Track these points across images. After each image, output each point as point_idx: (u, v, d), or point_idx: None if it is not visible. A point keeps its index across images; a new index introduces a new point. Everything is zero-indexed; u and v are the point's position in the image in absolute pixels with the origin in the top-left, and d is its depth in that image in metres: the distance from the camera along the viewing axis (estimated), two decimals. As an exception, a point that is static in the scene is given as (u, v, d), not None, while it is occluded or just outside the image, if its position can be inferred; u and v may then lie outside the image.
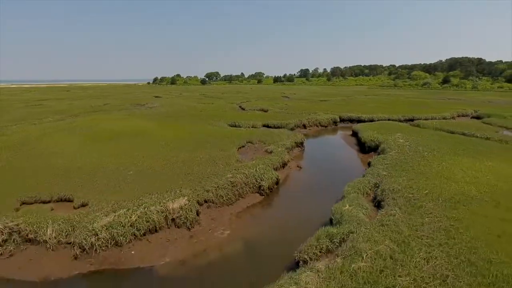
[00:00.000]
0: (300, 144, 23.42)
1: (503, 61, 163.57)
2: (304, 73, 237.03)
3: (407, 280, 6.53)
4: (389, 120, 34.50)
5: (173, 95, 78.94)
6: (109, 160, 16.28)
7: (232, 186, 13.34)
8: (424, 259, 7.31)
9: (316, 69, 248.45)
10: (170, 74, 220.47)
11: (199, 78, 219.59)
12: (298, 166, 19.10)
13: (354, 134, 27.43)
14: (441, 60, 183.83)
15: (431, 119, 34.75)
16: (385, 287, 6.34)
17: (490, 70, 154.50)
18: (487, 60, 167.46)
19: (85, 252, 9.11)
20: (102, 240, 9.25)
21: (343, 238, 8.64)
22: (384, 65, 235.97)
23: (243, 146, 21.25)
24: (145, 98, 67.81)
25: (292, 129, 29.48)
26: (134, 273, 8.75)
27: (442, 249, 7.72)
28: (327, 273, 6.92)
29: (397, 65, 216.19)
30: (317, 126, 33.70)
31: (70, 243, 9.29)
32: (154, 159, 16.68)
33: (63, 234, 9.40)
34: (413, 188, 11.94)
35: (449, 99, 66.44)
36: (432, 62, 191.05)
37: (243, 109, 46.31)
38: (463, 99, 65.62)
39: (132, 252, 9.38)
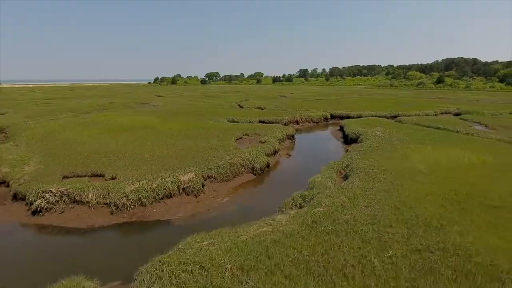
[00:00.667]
0: (291, 137, 26.42)
1: (499, 61, 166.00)
2: (303, 73, 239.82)
3: (348, 216, 9.52)
4: (376, 116, 37.46)
5: (175, 95, 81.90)
6: (126, 148, 19.23)
7: (230, 166, 16.31)
8: (365, 206, 10.30)
9: (315, 69, 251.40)
10: (170, 74, 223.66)
11: (199, 78, 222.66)
12: (287, 154, 22.10)
13: (341, 128, 30.40)
14: (438, 61, 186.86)
15: (414, 115, 37.79)
16: (333, 220, 9.31)
17: (485, 70, 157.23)
18: (487, 60, 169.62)
19: (118, 209, 12.08)
20: (131, 200, 12.24)
21: (312, 198, 11.61)
22: (382, 65, 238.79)
23: (240, 138, 24.20)
24: (148, 98, 70.78)
25: (285, 124, 32.39)
26: (156, 223, 11.72)
27: (380, 201, 10.71)
28: (295, 214, 9.91)
29: (395, 65, 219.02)
30: (309, 122, 36.69)
31: (107, 203, 12.26)
32: (163, 147, 19.63)
33: (101, 196, 12.37)
34: (375, 166, 14.94)
35: (439, 98, 69.43)
36: (430, 62, 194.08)
37: (242, 107, 49.31)
38: (453, 98, 68.55)
39: (154, 210, 12.37)
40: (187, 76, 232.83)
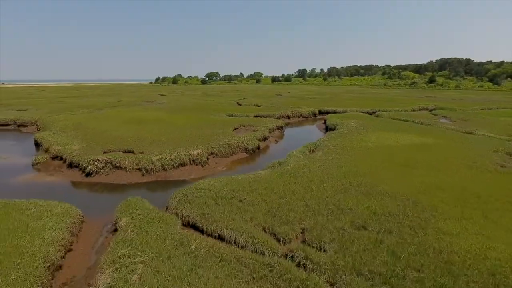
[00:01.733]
0: (280, 128, 31.18)
1: (493, 61, 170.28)
2: (301, 73, 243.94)
3: (305, 170, 14.28)
4: (359, 112, 42.19)
5: (177, 94, 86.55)
6: (144, 134, 23.93)
7: (228, 146, 21.07)
8: (319, 165, 15.07)
9: (313, 69, 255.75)
10: (171, 74, 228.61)
11: (199, 78, 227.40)
12: (275, 140, 26.86)
13: (325, 122, 35.13)
14: (432, 61, 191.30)
15: (393, 111, 42.52)
16: (295, 171, 14.08)
17: (477, 70, 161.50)
18: (485, 60, 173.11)
19: (147, 172, 16.83)
20: (156, 166, 16.99)
21: (285, 162, 16.36)
22: (379, 66, 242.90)
23: (237, 128, 28.92)
24: (152, 96, 75.42)
25: (277, 118, 37.11)
26: (175, 181, 16.46)
27: (331, 163, 15.47)
28: (271, 170, 14.67)
29: (392, 66, 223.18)
30: (299, 117, 41.45)
31: (139, 168, 17.00)
32: (175, 133, 24.34)
33: (134, 163, 17.12)
34: (337, 145, 19.71)
35: (426, 96, 74.03)
36: (424, 62, 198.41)
37: (240, 104, 54.01)
38: (440, 96, 73.25)
39: (173, 173, 17.13)
40: (188, 76, 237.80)
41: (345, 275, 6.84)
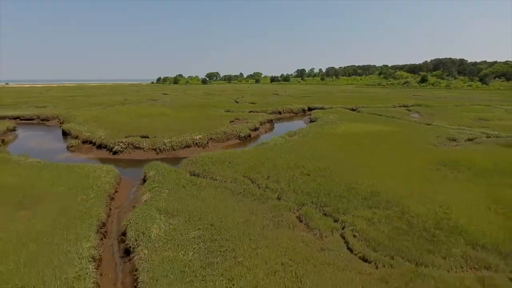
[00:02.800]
0: (270, 121, 36.08)
1: (487, 61, 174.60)
2: (300, 73, 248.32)
3: (281, 147, 19.13)
4: (344, 108, 46.94)
5: (179, 93, 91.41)
6: (155, 125, 28.78)
7: (224, 134, 25.96)
8: (292, 145, 19.94)
9: (312, 69, 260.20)
10: (172, 74, 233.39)
11: (200, 78, 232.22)
12: (265, 131, 31.75)
13: (310, 116, 39.99)
14: (427, 61, 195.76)
15: (374, 107, 47.31)
16: (272, 148, 18.93)
17: (470, 70, 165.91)
18: (481, 60, 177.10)
19: (161, 151, 21.71)
20: (168, 147, 21.87)
21: (267, 143, 21.23)
22: (377, 66, 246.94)
23: (233, 121, 33.76)
24: (156, 95, 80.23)
25: (270, 114, 41.93)
26: (182, 158, 21.24)
27: (302, 143, 20.32)
28: (255, 147, 19.54)
29: (390, 65, 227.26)
30: (289, 113, 46.31)
31: (154, 148, 21.87)
32: (180, 124, 29.18)
33: (150, 145, 21.99)
34: (312, 131, 24.57)
35: (414, 95, 78.60)
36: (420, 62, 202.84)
37: (237, 102, 58.86)
38: (426, 95, 77.90)
39: (180, 152, 22.01)
40: (188, 76, 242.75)
41: (287, 193, 11.71)
